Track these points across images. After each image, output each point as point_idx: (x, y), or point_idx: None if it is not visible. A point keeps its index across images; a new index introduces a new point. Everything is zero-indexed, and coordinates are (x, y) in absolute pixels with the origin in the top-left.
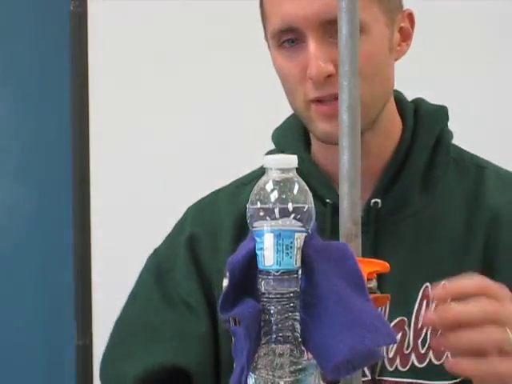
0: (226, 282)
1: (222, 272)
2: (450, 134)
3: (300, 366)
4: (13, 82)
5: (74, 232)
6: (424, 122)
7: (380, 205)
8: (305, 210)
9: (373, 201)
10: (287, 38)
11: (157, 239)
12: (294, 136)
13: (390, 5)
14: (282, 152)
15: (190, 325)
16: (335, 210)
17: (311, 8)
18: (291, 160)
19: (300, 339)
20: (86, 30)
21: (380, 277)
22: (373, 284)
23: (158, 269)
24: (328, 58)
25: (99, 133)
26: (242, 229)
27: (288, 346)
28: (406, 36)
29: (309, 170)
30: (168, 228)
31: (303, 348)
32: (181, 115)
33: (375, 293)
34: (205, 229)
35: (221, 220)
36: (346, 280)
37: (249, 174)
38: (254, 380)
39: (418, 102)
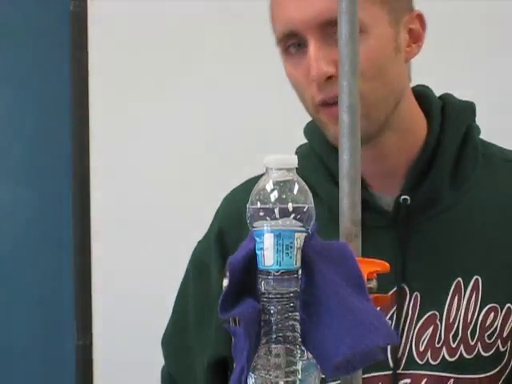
0: (226, 282)
1: None
2: (477, 130)
3: (300, 366)
4: (13, 82)
5: (73, 232)
6: (451, 119)
7: (409, 201)
8: (305, 210)
9: (402, 197)
10: (292, 43)
11: (157, 239)
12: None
13: (394, 4)
14: (313, 148)
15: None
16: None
17: (309, 11)
18: (291, 160)
19: (300, 339)
20: (86, 30)
21: (413, 272)
22: (373, 284)
23: (199, 262)
24: (329, 59)
25: (99, 133)
26: None
27: (288, 346)
28: (416, 37)
29: (335, 167)
30: (168, 228)
31: (303, 348)
32: (181, 115)
33: (375, 293)
34: (232, 222)
35: (244, 214)
36: (346, 280)
37: None
38: (253, 380)
39: (446, 98)
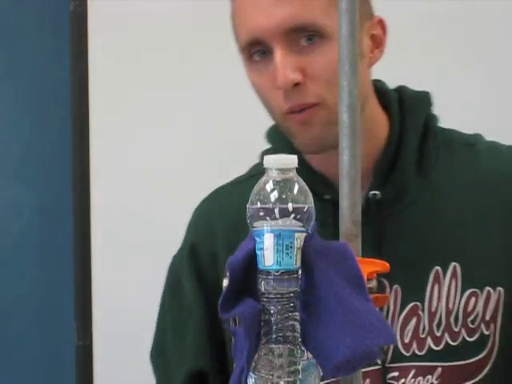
0: (225, 282)
1: (221, 278)
2: (435, 118)
3: (300, 366)
4: (13, 82)
5: (73, 232)
6: (410, 111)
7: (379, 196)
8: (305, 210)
9: (371, 193)
10: (256, 55)
11: (157, 239)
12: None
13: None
14: (277, 151)
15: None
16: (335, 206)
17: (274, 18)
18: (291, 160)
19: (300, 339)
20: (85, 30)
21: (390, 266)
22: (373, 284)
23: (173, 277)
24: (295, 66)
25: (99, 133)
26: (236, 230)
27: (288, 346)
28: (378, 43)
29: (302, 168)
30: (167, 228)
31: (303, 348)
32: (181, 115)
33: (375, 293)
34: (203, 235)
35: (215, 226)
36: (346, 280)
37: (247, 171)
38: (253, 380)
39: (401, 91)
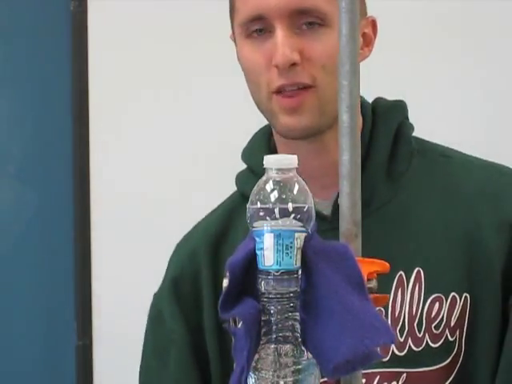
0: (225, 283)
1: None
2: (409, 126)
3: (300, 366)
4: (13, 82)
5: (74, 232)
6: (382, 118)
7: None
8: (305, 209)
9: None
10: (255, 29)
11: (157, 239)
12: (262, 152)
13: None
14: (252, 171)
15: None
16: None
17: None
18: (291, 160)
19: (300, 339)
20: (86, 30)
21: None
22: (373, 284)
23: (154, 311)
24: (294, 47)
25: (99, 133)
26: (217, 265)
27: (288, 346)
28: (368, 42)
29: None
30: (168, 227)
31: (303, 348)
32: (181, 115)
33: (375, 293)
34: (185, 269)
35: (198, 263)
36: (346, 280)
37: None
38: (253, 380)
39: (376, 101)
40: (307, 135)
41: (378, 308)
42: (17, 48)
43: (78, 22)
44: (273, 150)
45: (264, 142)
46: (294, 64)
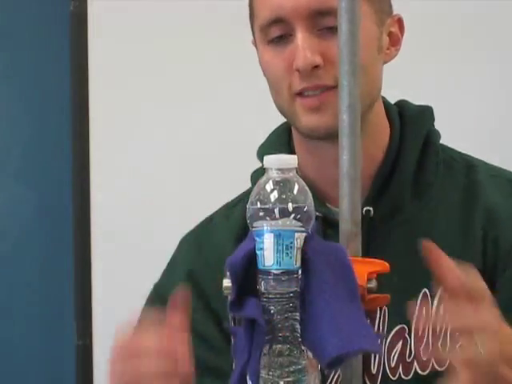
0: (226, 282)
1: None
2: (437, 135)
3: (300, 366)
4: (13, 81)
5: (73, 232)
6: (410, 125)
7: (372, 213)
8: (305, 210)
9: (365, 209)
10: (276, 35)
11: (157, 239)
12: (280, 152)
13: (380, 5)
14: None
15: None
16: (326, 223)
17: None
18: (291, 160)
19: (300, 339)
20: (86, 29)
21: (379, 285)
22: (373, 284)
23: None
24: (316, 49)
25: (99, 133)
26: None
27: (288, 346)
28: (395, 41)
29: None
30: (168, 228)
31: (303, 348)
32: (181, 115)
33: (375, 293)
34: (207, 265)
35: (222, 252)
36: (342, 284)
37: (236, 196)
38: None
39: (402, 104)
40: (330, 135)
41: (399, 326)
42: (16, 48)
43: (78, 22)
44: (291, 151)
45: (283, 141)
46: (316, 67)
